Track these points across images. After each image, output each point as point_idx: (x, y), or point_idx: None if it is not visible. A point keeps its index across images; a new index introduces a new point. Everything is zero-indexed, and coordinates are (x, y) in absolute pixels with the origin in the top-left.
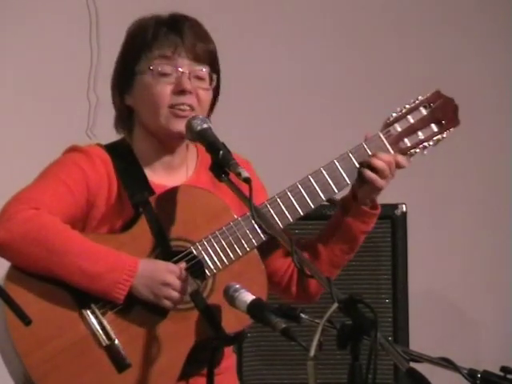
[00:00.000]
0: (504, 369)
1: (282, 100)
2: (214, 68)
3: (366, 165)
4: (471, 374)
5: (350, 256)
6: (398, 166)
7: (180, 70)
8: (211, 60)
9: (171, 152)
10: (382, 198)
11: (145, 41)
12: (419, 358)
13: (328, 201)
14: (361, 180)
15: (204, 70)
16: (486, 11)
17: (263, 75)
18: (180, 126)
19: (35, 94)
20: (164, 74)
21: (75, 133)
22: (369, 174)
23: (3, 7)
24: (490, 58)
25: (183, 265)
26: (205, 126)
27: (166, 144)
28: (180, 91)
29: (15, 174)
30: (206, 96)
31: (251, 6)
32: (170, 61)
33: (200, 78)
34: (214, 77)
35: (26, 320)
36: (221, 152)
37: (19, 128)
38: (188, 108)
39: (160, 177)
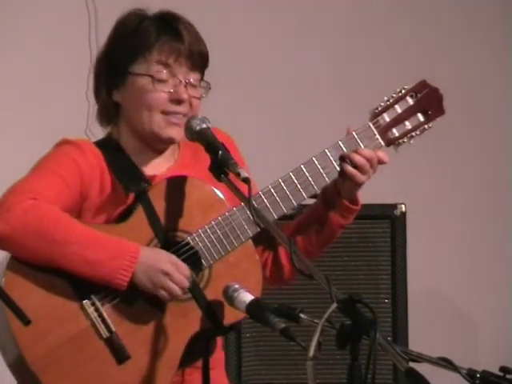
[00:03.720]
0: (503, 369)
1: (274, 93)
2: (203, 72)
3: (348, 160)
4: (470, 374)
5: (323, 248)
6: (380, 161)
7: (178, 78)
8: (203, 64)
9: (160, 152)
10: (382, 198)
11: (145, 43)
12: (418, 358)
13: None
14: (342, 174)
15: (197, 77)
16: (485, 9)
17: (256, 72)
18: (172, 132)
19: (34, 93)
20: (161, 80)
21: (74, 132)
22: (349, 169)
23: (3, 7)
24: (490, 58)
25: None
26: (204, 125)
27: (154, 145)
28: (177, 100)
29: (14, 174)
30: (198, 104)
31: (244, 2)
32: (170, 68)
33: (193, 85)
34: (204, 84)
35: (25, 320)
36: (220, 152)
37: (18, 127)
38: (181, 116)
39: (148, 169)
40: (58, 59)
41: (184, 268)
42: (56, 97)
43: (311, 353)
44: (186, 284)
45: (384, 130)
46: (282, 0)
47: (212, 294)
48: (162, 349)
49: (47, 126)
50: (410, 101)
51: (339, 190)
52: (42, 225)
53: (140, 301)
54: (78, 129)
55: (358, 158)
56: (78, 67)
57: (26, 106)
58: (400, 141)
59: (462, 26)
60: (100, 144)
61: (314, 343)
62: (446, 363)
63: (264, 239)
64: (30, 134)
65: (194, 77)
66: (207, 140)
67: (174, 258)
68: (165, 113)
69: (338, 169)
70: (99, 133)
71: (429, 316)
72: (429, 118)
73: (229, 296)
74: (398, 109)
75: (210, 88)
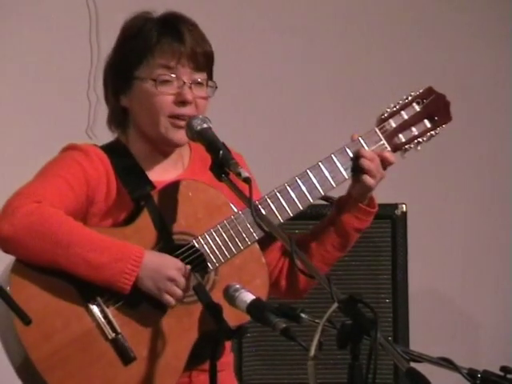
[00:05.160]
0: (504, 368)
1: (279, 96)
2: (211, 72)
3: (360, 168)
4: (471, 374)
5: (341, 254)
6: (388, 162)
7: (182, 79)
8: (209, 65)
9: (167, 154)
10: (382, 198)
11: (147, 46)
12: (419, 358)
13: (325, 199)
14: (354, 180)
15: (203, 77)
16: (485, 8)
17: (259, 72)
18: (179, 135)
19: (35, 93)
20: (165, 83)
21: (75, 132)
22: (367, 178)
23: (3, 7)
24: (490, 57)
25: (188, 266)
26: (205, 125)
27: (162, 148)
28: (181, 102)
29: (15, 174)
30: (204, 104)
31: (247, 3)
32: (173, 70)
33: (199, 85)
34: (211, 83)
35: (26, 320)
36: (221, 152)
37: (19, 127)
38: (187, 118)
39: (157, 174)
40: (58, 59)
41: (188, 271)
42: (57, 96)
43: (312, 353)
44: (190, 287)
45: (390, 136)
46: (284, 7)
47: (218, 296)
48: (168, 350)
49: (48, 126)
50: (417, 107)
51: (351, 193)
52: (46, 227)
53: (145, 302)
54: (79, 128)
55: (366, 163)
56: (78, 67)
57: (28, 106)
58: (407, 146)
59: (461, 27)
60: (106, 148)
61: (314, 343)
62: (446, 363)
63: (279, 248)
64: (31, 134)
65: (199, 76)
66: (208, 140)
67: (179, 263)
68: (171, 116)
69: (344, 173)
70: (100, 132)
71: (429, 316)
72: (435, 125)
73: (230, 296)
74: (405, 115)
75: (216, 87)
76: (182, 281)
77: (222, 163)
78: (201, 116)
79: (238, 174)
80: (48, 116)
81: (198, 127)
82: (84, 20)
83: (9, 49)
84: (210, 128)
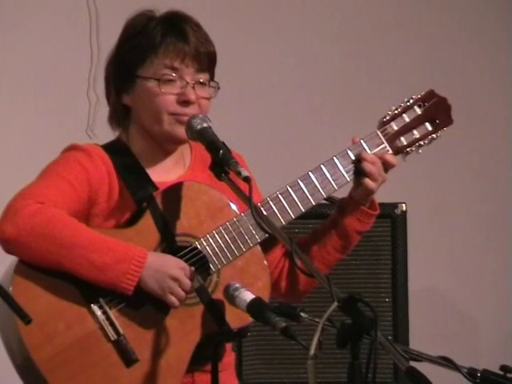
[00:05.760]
0: (504, 368)
1: (280, 97)
2: (213, 73)
3: (362, 171)
4: (471, 373)
5: (341, 256)
6: (390, 165)
7: (185, 79)
8: (212, 65)
9: (169, 153)
10: (382, 197)
11: (151, 45)
12: (419, 357)
13: (328, 199)
14: (356, 183)
15: (205, 77)
16: (485, 9)
17: (260, 73)
18: (181, 131)
19: (35, 93)
20: (169, 82)
21: (75, 132)
22: (369, 182)
23: (3, 7)
24: (490, 57)
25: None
26: (205, 125)
27: (165, 146)
28: (184, 102)
29: (15, 173)
30: (207, 105)
31: (248, 3)
32: (176, 70)
33: (201, 85)
34: (213, 84)
35: (25, 319)
36: (221, 151)
37: (20, 127)
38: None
39: (158, 174)
40: (59, 59)
41: (193, 274)
42: (57, 96)
43: (312, 352)
44: (193, 289)
45: (392, 138)
46: (288, 7)
47: (220, 298)
48: (170, 352)
49: (48, 126)
50: (418, 110)
51: (352, 196)
52: (49, 228)
53: (148, 304)
54: (79, 128)
55: (369, 167)
56: (79, 67)
57: (27, 106)
58: (408, 149)
59: (462, 29)
60: (108, 148)
61: (314, 342)
62: (446, 362)
63: (280, 249)
64: (31, 134)
65: (202, 77)
66: (208, 139)
67: (182, 263)
68: (174, 114)
69: (346, 176)
70: (100, 132)
71: (429, 315)
72: (437, 128)
73: (230, 295)
74: (406, 118)
75: (219, 88)
76: (185, 280)
77: (221, 162)
78: (200, 115)
79: (238, 173)
80: (48, 116)
81: (198, 126)
82: (84, 20)
83: (9, 48)
84: (209, 127)
